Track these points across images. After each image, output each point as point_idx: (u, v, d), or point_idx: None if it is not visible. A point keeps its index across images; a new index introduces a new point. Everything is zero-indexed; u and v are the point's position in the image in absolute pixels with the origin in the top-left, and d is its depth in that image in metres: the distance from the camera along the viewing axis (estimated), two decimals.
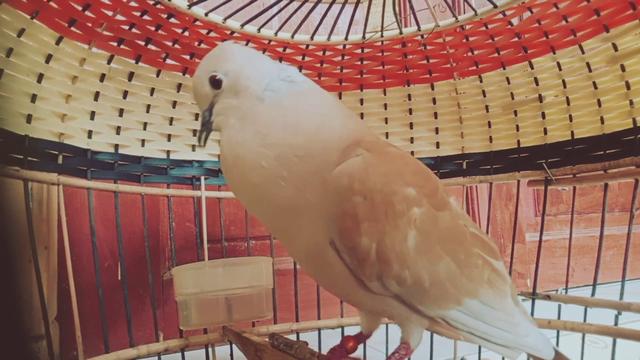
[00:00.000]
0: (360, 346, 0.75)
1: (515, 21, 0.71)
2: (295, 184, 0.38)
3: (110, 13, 0.61)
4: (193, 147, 0.75)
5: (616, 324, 0.61)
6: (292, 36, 0.72)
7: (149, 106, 0.70)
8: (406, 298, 0.40)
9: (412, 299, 0.40)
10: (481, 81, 0.77)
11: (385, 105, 0.82)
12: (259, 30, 0.70)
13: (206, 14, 0.65)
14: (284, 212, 0.39)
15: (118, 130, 0.68)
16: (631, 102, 0.63)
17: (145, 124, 0.70)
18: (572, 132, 0.70)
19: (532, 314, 0.71)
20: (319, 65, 0.78)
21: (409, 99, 0.81)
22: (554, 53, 0.69)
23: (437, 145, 0.81)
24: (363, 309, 0.46)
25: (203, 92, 0.42)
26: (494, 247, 0.47)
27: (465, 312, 0.42)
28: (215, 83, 0.41)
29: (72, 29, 0.59)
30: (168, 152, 0.73)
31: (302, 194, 0.38)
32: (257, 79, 0.41)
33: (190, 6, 0.63)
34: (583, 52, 0.67)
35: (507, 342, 0.43)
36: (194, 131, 0.75)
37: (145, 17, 0.64)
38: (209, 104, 0.42)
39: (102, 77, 0.65)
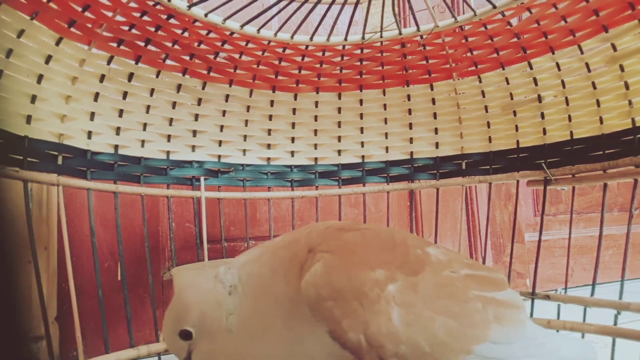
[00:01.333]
0: None
1: (514, 22, 0.71)
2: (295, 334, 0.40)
3: (110, 14, 0.61)
4: (193, 148, 0.75)
5: (615, 323, 0.61)
6: (292, 37, 0.72)
7: (148, 107, 0.70)
8: None
9: None
10: (480, 81, 0.77)
11: (385, 106, 0.82)
12: (258, 30, 0.70)
13: (206, 15, 0.65)
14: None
15: (118, 130, 0.68)
16: (630, 102, 0.63)
17: (145, 125, 0.70)
18: (571, 132, 0.70)
19: (531, 314, 0.71)
20: (318, 66, 0.78)
21: (409, 100, 0.81)
22: (553, 53, 0.69)
23: (437, 145, 0.81)
24: None
25: (179, 348, 0.42)
26: (496, 277, 0.46)
27: (478, 357, 0.41)
28: (186, 336, 0.41)
29: (72, 29, 0.59)
30: (168, 152, 0.73)
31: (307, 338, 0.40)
32: (216, 313, 0.41)
33: (189, 7, 0.63)
34: (582, 53, 0.67)
35: None
36: (194, 132, 0.75)
37: (145, 17, 0.64)
38: (187, 352, 0.42)
39: (102, 78, 0.65)
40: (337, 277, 0.38)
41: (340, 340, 0.38)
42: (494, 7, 0.66)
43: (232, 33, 0.70)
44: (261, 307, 0.40)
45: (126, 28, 0.64)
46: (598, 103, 0.67)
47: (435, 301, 0.41)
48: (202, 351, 0.41)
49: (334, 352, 0.40)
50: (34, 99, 0.58)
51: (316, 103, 0.81)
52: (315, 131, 0.82)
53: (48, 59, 0.58)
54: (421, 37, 0.75)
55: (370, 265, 0.40)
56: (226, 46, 0.72)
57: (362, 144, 0.82)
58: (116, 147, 0.68)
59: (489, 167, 0.77)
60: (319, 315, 0.38)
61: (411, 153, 0.82)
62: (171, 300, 0.43)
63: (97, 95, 0.65)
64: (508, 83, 0.75)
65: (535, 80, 0.72)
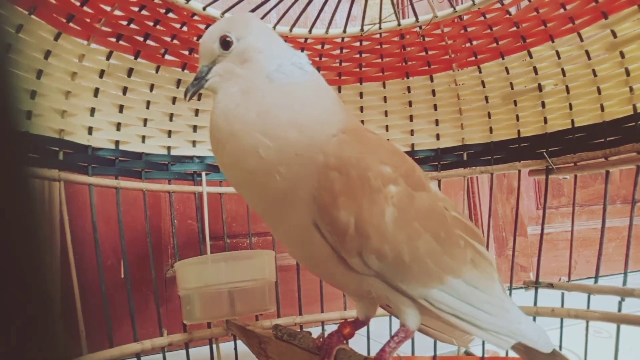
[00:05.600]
0: (364, 339, 0.75)
1: (513, 10, 0.71)
2: (289, 179, 0.38)
3: (108, 8, 0.61)
4: (194, 143, 0.75)
5: (620, 310, 0.61)
6: (291, 30, 0.72)
7: (148, 102, 0.70)
8: (388, 276, 0.40)
9: (394, 276, 0.40)
10: (480, 72, 0.77)
11: (385, 98, 0.82)
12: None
13: (204, 8, 0.65)
14: (273, 199, 0.39)
15: (118, 126, 0.68)
16: (631, 89, 0.63)
17: (145, 120, 0.70)
18: (572, 121, 0.69)
19: (534, 303, 0.71)
20: (317, 59, 0.78)
21: (409, 92, 0.81)
22: (553, 42, 0.69)
23: (437, 137, 0.80)
24: (348, 291, 0.46)
25: (209, 48, 0.41)
26: (478, 231, 0.46)
27: (449, 292, 0.41)
28: (225, 43, 0.41)
29: (71, 24, 0.59)
30: (169, 148, 0.73)
31: (294, 188, 0.38)
32: (269, 56, 0.40)
33: (188, 0, 0.63)
34: (582, 40, 0.67)
35: (497, 328, 0.42)
36: (194, 127, 0.75)
37: (144, 12, 0.64)
38: (211, 62, 0.42)
39: (102, 73, 0.65)
40: (347, 153, 0.38)
41: (328, 217, 0.38)
42: None
43: None
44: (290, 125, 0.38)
45: (125, 23, 0.64)
46: (599, 90, 0.66)
47: (425, 220, 0.41)
48: (227, 69, 0.41)
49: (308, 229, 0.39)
50: (33, 94, 0.58)
51: None
52: None
53: (47, 54, 0.59)
54: (420, 27, 0.74)
55: (380, 159, 0.40)
56: None
57: None
58: (117, 142, 0.68)
59: (490, 157, 0.77)
60: (318, 183, 0.38)
61: (412, 145, 0.81)
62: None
63: (97, 90, 0.65)
64: (508, 73, 0.75)
65: (535, 69, 0.72)
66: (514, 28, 0.71)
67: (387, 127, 0.82)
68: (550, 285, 0.69)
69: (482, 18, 0.72)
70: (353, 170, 0.38)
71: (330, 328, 0.78)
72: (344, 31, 0.74)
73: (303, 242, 0.41)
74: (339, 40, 0.76)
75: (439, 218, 0.43)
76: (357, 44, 0.78)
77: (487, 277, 0.44)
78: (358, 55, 0.79)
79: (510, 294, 0.75)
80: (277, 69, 0.40)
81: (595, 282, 0.66)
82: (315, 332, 0.69)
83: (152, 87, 0.70)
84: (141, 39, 0.67)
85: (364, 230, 0.38)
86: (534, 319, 0.69)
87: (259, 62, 0.40)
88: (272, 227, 0.44)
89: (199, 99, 0.75)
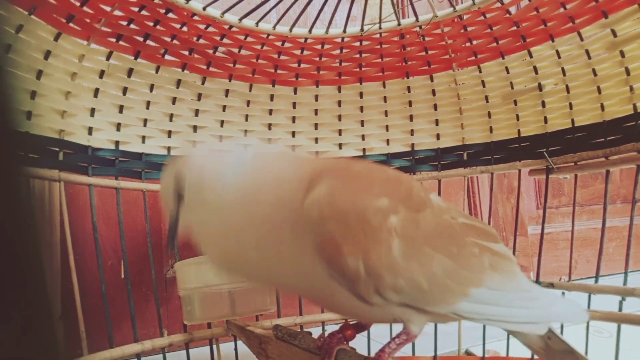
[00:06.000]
0: (365, 341, 0.75)
1: (513, 10, 0.71)
2: (297, 253, 0.38)
3: (108, 8, 0.61)
4: (194, 143, 0.75)
5: (620, 309, 0.61)
6: (290, 30, 0.72)
7: (148, 102, 0.70)
8: (411, 303, 0.40)
9: (417, 302, 0.40)
10: (480, 71, 0.77)
11: (385, 98, 0.82)
12: (257, 24, 0.70)
13: (204, 8, 0.65)
14: (284, 266, 0.40)
15: (118, 126, 0.68)
16: (631, 88, 0.63)
17: (145, 121, 0.70)
18: (572, 120, 0.69)
19: None
20: (317, 59, 0.78)
21: (409, 91, 0.81)
22: (553, 41, 0.69)
23: (438, 137, 0.80)
24: (376, 321, 0.46)
25: (169, 201, 0.43)
26: (491, 231, 0.46)
27: (476, 302, 0.41)
28: (180, 197, 0.42)
29: (71, 24, 0.59)
30: (169, 148, 0.73)
31: (293, 252, 0.38)
32: (215, 181, 0.41)
33: (187, 0, 0.63)
34: (582, 39, 0.67)
35: (531, 318, 0.42)
36: (194, 127, 0.75)
37: (144, 12, 0.64)
38: (176, 206, 0.43)
39: (102, 74, 0.65)
40: (340, 199, 0.37)
41: (337, 267, 0.37)
42: None
43: (231, 27, 0.70)
44: (263, 202, 0.39)
45: (125, 23, 0.64)
46: (599, 90, 0.66)
47: (435, 239, 0.40)
48: (191, 209, 0.41)
49: (321, 278, 0.39)
50: (33, 94, 0.58)
51: (316, 96, 0.81)
52: (316, 125, 0.82)
53: (47, 54, 0.59)
54: (420, 27, 0.74)
55: (374, 193, 0.39)
56: (225, 40, 0.72)
57: (363, 136, 0.82)
58: (117, 143, 0.68)
59: (490, 157, 0.77)
60: (319, 237, 0.37)
61: (412, 145, 0.81)
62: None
63: (97, 90, 0.65)
64: (508, 72, 0.75)
65: (535, 69, 0.72)
66: (514, 27, 0.71)
67: (387, 127, 0.82)
68: (551, 285, 0.69)
69: (482, 17, 0.72)
70: (351, 216, 0.37)
71: (331, 328, 0.78)
72: (344, 31, 0.74)
73: (324, 293, 0.41)
74: (339, 40, 0.76)
75: (448, 233, 0.42)
76: (357, 43, 0.78)
77: (509, 275, 0.44)
78: (358, 55, 0.79)
79: None
80: (222, 186, 0.40)
81: (596, 281, 0.66)
82: (316, 332, 0.69)
83: (152, 87, 0.70)
84: (141, 39, 0.67)
85: (375, 271, 0.37)
86: None
87: (210, 191, 0.41)
88: (294, 290, 0.45)
89: (199, 99, 0.75)
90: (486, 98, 0.77)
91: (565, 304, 0.45)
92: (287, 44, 0.76)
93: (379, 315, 0.42)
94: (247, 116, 0.78)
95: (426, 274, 0.39)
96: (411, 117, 0.81)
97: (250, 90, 0.78)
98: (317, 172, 0.40)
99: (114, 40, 0.65)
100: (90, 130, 0.65)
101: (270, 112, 0.80)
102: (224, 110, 0.77)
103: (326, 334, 0.47)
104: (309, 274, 0.39)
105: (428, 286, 0.39)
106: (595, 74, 0.66)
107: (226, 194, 0.40)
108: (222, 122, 0.77)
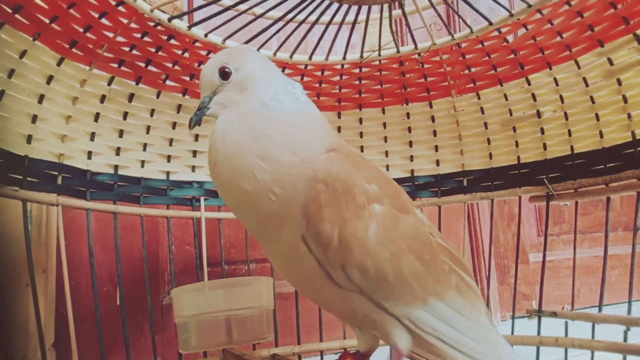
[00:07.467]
0: None
1: (510, 38, 0.72)
2: (283, 199, 0.39)
3: (111, 34, 0.62)
4: (193, 168, 0.75)
5: (625, 340, 0.60)
6: (291, 56, 0.73)
7: (149, 127, 0.71)
8: (372, 293, 0.40)
9: (378, 294, 0.40)
10: (479, 98, 0.77)
11: (384, 124, 0.82)
12: (257, 50, 0.70)
13: (206, 35, 0.66)
14: (267, 219, 0.41)
15: (118, 151, 0.68)
16: (629, 116, 0.63)
17: (145, 145, 0.70)
18: (571, 147, 0.70)
19: (538, 332, 0.69)
20: (317, 85, 0.79)
21: (408, 118, 0.82)
22: (550, 69, 0.70)
23: (437, 162, 0.80)
24: (335, 311, 0.46)
25: (210, 79, 0.44)
26: (464, 262, 0.46)
27: (432, 314, 0.41)
28: (224, 74, 0.43)
29: (74, 50, 0.60)
30: (168, 173, 0.73)
31: (287, 206, 0.40)
32: (265, 85, 0.43)
33: (190, 27, 0.64)
34: (579, 67, 0.67)
35: (482, 356, 0.41)
36: (194, 152, 0.75)
37: (146, 38, 0.65)
38: (212, 92, 0.44)
39: (103, 98, 0.65)
40: (335, 168, 0.40)
41: (314, 228, 0.39)
42: (490, 23, 0.67)
43: None
44: (284, 144, 0.40)
45: (127, 49, 0.65)
46: (597, 117, 0.67)
47: (410, 240, 0.42)
48: (227, 97, 0.43)
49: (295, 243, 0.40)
50: (34, 118, 0.58)
51: None
52: None
53: (49, 79, 0.59)
54: (419, 55, 0.75)
55: (366, 177, 0.41)
56: None
57: None
58: (116, 167, 0.68)
59: (490, 183, 0.77)
60: (306, 195, 0.39)
61: (412, 171, 0.81)
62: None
63: (97, 115, 0.65)
64: (507, 99, 0.75)
65: (533, 96, 0.73)
66: (512, 55, 0.72)
67: (386, 153, 0.82)
68: (554, 314, 0.68)
69: (480, 45, 0.73)
70: (339, 184, 0.39)
71: (330, 358, 0.76)
72: (344, 58, 0.75)
73: (292, 257, 0.42)
74: (339, 66, 0.77)
75: (424, 241, 0.43)
76: (357, 70, 0.78)
77: (473, 306, 0.44)
78: (358, 82, 0.80)
79: (513, 322, 0.73)
80: (272, 97, 0.42)
81: (599, 310, 0.65)
82: None
83: (152, 112, 0.71)
84: (143, 64, 0.68)
85: (347, 243, 0.39)
86: (538, 350, 0.68)
87: (257, 90, 0.43)
88: (265, 247, 0.45)
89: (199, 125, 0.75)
90: (485, 124, 0.78)
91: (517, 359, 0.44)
92: (287, 70, 0.76)
93: (340, 302, 0.42)
94: None
95: (394, 266, 0.40)
96: (410, 143, 0.81)
97: None
98: (334, 145, 0.42)
99: (115, 65, 0.65)
100: (89, 155, 0.65)
101: None
102: None
103: None
104: (286, 232, 0.40)
105: (393, 278, 0.40)
106: (593, 101, 0.67)
107: (264, 110, 0.41)
108: None
